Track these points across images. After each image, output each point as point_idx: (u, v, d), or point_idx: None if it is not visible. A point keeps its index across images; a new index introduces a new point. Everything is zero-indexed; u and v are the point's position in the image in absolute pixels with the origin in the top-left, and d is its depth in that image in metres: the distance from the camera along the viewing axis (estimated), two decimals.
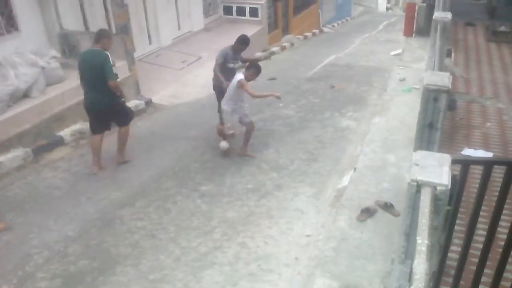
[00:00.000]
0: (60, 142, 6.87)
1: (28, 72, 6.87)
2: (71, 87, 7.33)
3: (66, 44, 8.18)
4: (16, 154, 6.24)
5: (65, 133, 7.02)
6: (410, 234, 2.76)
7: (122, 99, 5.96)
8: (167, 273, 4.24)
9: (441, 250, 2.85)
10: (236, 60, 6.80)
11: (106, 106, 5.76)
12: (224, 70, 6.65)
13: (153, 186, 5.70)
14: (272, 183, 5.75)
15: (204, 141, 6.96)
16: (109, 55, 5.53)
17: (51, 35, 8.14)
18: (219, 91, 6.71)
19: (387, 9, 28.91)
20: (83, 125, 7.24)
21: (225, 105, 6.18)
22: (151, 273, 4.24)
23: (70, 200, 5.44)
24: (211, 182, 5.79)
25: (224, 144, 6.36)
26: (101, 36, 5.66)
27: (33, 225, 4.97)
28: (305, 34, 16.47)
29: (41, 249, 4.58)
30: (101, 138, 6.02)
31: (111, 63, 5.51)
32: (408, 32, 12.29)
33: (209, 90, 9.29)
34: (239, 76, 6.04)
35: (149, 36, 10.88)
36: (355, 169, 5.76)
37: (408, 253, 2.80)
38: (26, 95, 6.88)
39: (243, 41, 6.71)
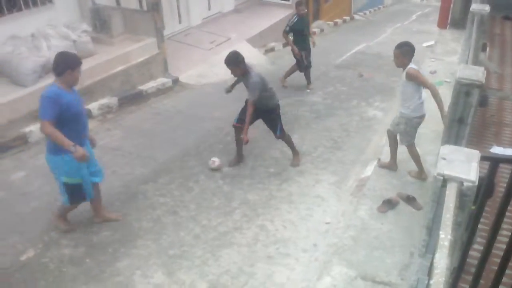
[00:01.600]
0: (87, 115, 6.98)
1: (60, 44, 6.98)
2: (100, 62, 7.45)
3: (98, 18, 8.25)
4: None
5: (93, 106, 7.14)
6: (432, 228, 2.74)
7: None
8: (186, 249, 4.33)
9: (462, 247, 2.82)
10: None
11: None
12: None
13: (176, 164, 5.77)
14: (295, 168, 5.75)
15: (228, 123, 6.94)
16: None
17: (84, 9, 8.23)
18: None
19: None
20: (110, 99, 7.36)
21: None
22: (170, 249, 4.33)
23: None
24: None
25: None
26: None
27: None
28: (336, 20, 16.18)
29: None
30: None
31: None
32: (442, 24, 11.95)
33: None
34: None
35: (179, 15, 10.88)
36: (379, 160, 5.71)
37: (429, 247, 2.78)
38: None
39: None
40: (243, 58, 5.28)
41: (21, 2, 7.17)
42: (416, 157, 5.11)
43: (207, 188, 5.32)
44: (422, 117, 5.03)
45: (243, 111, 5.53)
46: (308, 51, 8.41)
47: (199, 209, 4.93)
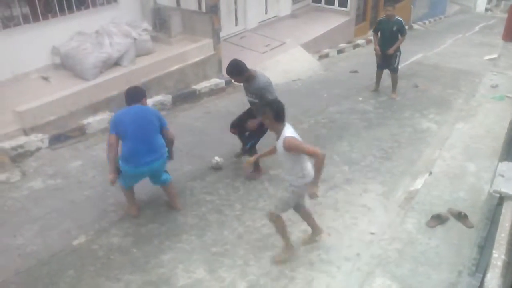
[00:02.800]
0: None
1: (121, 41, 7.28)
2: (158, 60, 7.69)
3: (158, 18, 8.54)
4: (103, 117, 6.67)
5: (148, 102, 7.29)
6: (484, 247, 2.63)
7: None
8: (229, 248, 4.38)
9: None
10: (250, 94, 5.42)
11: None
12: None
13: (224, 164, 5.85)
14: (342, 176, 5.69)
15: None
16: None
17: (145, 9, 8.54)
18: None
19: (486, 10, 27.02)
20: (165, 97, 7.57)
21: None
22: (213, 246, 4.40)
23: None
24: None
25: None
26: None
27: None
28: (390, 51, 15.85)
29: (116, 208, 4.91)
30: None
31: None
32: (507, 37, 11.46)
33: (288, 77, 9.36)
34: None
35: (236, 18, 11.04)
36: (430, 173, 5.55)
37: (480, 266, 2.68)
38: (117, 63, 7.31)
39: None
40: (245, 65, 5.20)
41: (89, 1, 7.54)
42: (280, 229, 4.16)
43: (253, 189, 5.37)
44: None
45: (243, 118, 5.56)
46: (388, 54, 8.19)
47: (244, 209, 4.98)
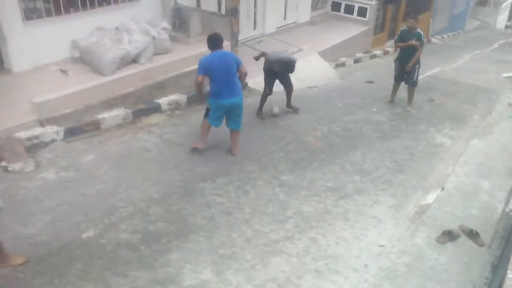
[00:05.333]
0: (157, 108, 7.27)
1: (140, 39, 7.33)
2: (175, 59, 7.73)
3: (177, 18, 8.58)
4: (118, 113, 6.72)
5: (163, 101, 7.40)
6: (498, 267, 2.60)
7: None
8: (237, 251, 4.37)
9: None
10: None
11: None
12: None
13: (236, 167, 5.86)
14: (354, 186, 5.66)
15: (291, 133, 7.01)
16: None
17: (166, 8, 8.59)
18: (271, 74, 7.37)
19: (507, 27, 26.83)
20: (180, 96, 7.61)
21: None
22: (221, 248, 4.40)
23: (158, 165, 5.76)
24: (292, 173, 5.83)
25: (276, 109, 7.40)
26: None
27: (122, 181, 5.35)
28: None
29: (126, 204, 4.93)
30: None
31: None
32: None
33: (304, 83, 9.34)
34: None
35: (254, 22, 11.07)
36: (443, 189, 5.50)
37: (492, 286, 2.65)
38: (134, 60, 7.35)
39: None
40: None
41: None
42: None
43: (264, 193, 5.36)
44: None
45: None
46: (406, 64, 8.14)
47: (253, 213, 4.97)
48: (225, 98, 5.71)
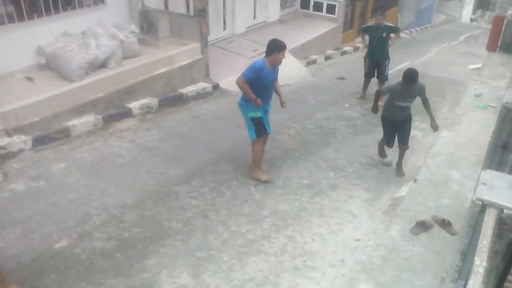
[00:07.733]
0: (128, 113, 7.18)
1: (108, 43, 7.21)
2: (145, 63, 7.64)
3: (146, 20, 8.48)
4: (88, 119, 6.60)
5: (134, 105, 7.31)
6: (467, 254, 2.66)
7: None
8: (214, 253, 4.35)
9: (498, 276, 2.72)
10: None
11: None
12: None
13: (210, 168, 5.83)
14: (328, 182, 5.71)
15: None
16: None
17: (133, 11, 8.47)
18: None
19: (471, 20, 27.50)
20: (151, 100, 7.53)
21: None
22: (198, 251, 4.37)
23: (131, 170, 5.69)
24: (267, 172, 5.83)
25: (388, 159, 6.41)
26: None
27: (95, 188, 5.26)
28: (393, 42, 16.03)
29: (100, 211, 4.85)
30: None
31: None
32: (491, 47, 11.60)
33: None
34: None
35: (224, 22, 11.04)
36: (415, 181, 5.58)
37: (462, 273, 2.70)
38: (103, 65, 7.23)
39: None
40: None
41: (76, 1, 7.46)
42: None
43: (239, 194, 5.35)
44: None
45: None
46: (375, 61, 8.48)
47: (229, 215, 4.96)
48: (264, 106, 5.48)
